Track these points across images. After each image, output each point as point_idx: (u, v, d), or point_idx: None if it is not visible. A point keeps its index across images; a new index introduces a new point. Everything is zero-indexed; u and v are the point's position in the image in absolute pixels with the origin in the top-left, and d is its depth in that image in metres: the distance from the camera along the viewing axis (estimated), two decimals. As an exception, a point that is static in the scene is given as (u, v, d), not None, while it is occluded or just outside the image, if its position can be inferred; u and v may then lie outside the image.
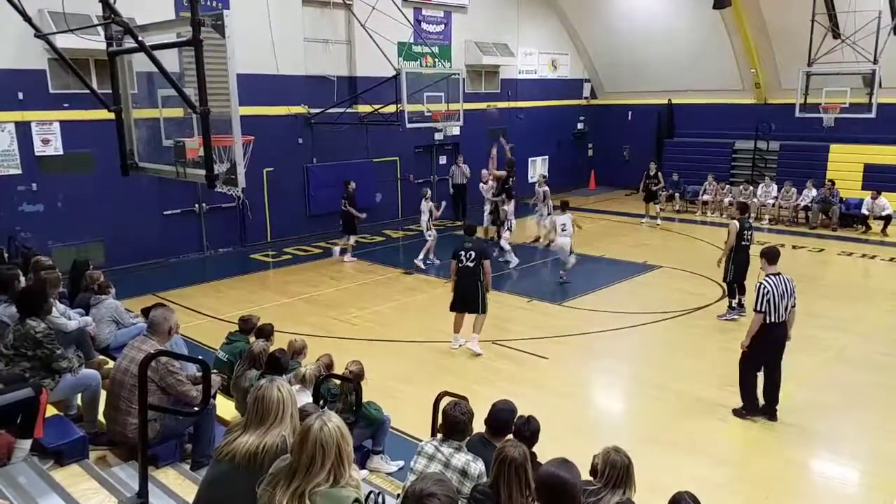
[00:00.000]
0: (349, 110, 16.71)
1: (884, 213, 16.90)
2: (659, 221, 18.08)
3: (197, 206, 14.90)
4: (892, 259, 14.46)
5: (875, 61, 16.53)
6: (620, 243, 16.14)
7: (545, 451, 4.67)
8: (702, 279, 12.87)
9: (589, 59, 24.01)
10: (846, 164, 18.78)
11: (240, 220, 15.71)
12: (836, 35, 17.68)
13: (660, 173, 18.34)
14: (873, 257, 14.68)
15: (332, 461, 2.63)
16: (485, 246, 10.10)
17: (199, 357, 4.63)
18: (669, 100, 22.54)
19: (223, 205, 14.79)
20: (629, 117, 24.01)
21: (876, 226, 17.00)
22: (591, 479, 4.16)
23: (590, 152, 25.12)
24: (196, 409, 4.75)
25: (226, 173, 5.57)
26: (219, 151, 5.55)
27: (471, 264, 9.28)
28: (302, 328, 9.92)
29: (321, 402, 5.68)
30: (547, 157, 23.45)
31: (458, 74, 17.04)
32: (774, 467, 6.51)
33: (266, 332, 6.80)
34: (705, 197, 19.86)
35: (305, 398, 5.45)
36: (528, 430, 4.49)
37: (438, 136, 18.77)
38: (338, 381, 6.08)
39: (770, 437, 7.11)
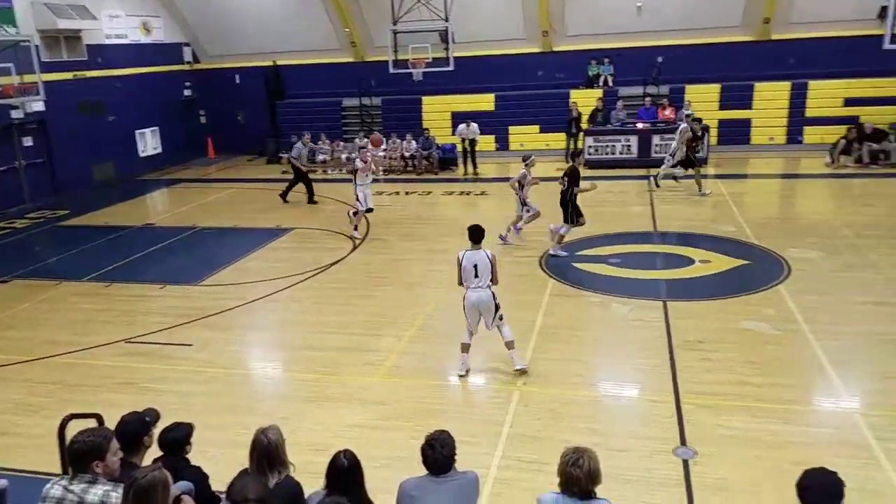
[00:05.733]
0: None
1: (473, 137, 19.12)
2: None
3: None
4: (482, 193, 16.88)
5: (446, 19, 18.76)
6: (250, 210, 15.90)
7: (207, 440, 4.42)
8: (332, 235, 13.43)
9: (185, 21, 22.62)
10: (438, 113, 21.19)
11: None
12: (413, -5, 19.53)
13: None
14: (468, 193, 16.96)
15: None
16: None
17: None
18: (274, 61, 22.53)
19: None
20: (237, 81, 23.44)
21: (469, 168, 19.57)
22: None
23: (203, 119, 23.94)
24: None
25: None
26: None
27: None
28: None
29: None
30: (157, 128, 21.70)
31: (29, 41, 14.56)
32: (418, 395, 7.17)
33: None
34: (322, 157, 20.60)
35: None
36: (167, 440, 4.07)
37: (17, 115, 15.94)
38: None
39: (411, 371, 7.79)
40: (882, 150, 17.17)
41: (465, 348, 7.47)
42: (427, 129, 20.27)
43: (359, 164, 13.00)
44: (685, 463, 5.79)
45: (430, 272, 11.08)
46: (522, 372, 7.35)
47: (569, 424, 6.47)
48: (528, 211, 11.92)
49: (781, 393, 6.89)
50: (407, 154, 19.94)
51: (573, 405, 6.86)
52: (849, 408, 6.61)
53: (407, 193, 17.27)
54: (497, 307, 7.29)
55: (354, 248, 12.60)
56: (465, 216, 15.23)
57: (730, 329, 8.34)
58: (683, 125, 15.33)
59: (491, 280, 7.24)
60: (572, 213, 11.37)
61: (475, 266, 7.21)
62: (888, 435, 6.00)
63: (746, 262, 10.73)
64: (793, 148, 18.77)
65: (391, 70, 19.32)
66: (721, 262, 10.74)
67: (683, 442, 6.10)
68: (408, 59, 19.24)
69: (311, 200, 16.33)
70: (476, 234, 7.32)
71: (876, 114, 17.94)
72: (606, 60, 20.61)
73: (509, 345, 7.39)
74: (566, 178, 11.37)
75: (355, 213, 13.10)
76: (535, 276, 10.58)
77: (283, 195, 16.44)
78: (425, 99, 21.28)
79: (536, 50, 21.11)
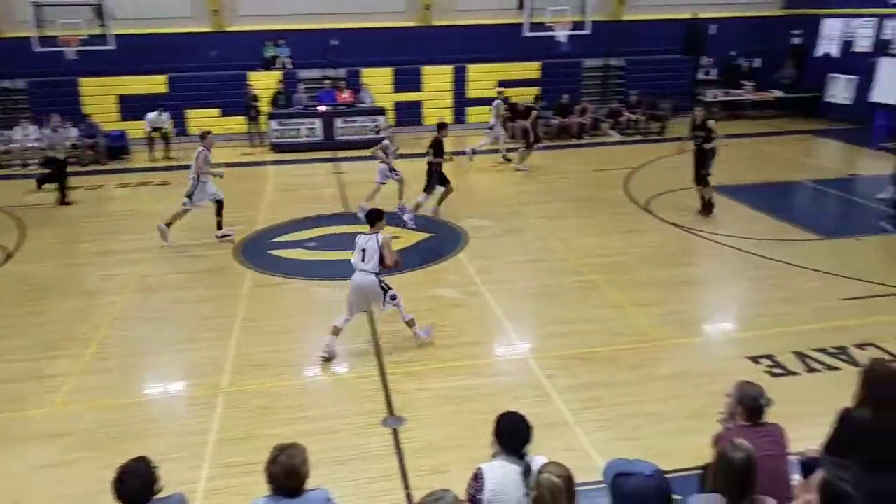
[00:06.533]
0: None
1: (165, 126, 17.98)
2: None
3: None
4: (163, 183, 15.55)
5: (101, -6, 16.80)
6: None
7: None
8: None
9: None
10: (101, 96, 18.94)
11: None
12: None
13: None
14: (147, 184, 15.55)
15: None
16: None
17: None
18: None
19: None
20: None
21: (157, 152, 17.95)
22: None
23: None
24: None
25: None
26: None
27: None
28: None
29: None
30: None
31: None
32: (107, 419, 6.43)
33: None
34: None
35: None
36: None
37: None
38: None
39: (96, 392, 6.94)
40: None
41: (336, 331, 7.40)
42: (89, 115, 18.06)
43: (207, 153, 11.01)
44: (395, 432, 6.11)
45: (107, 277, 9.95)
46: (426, 343, 7.58)
47: (279, 417, 6.38)
48: (377, 180, 12.28)
49: (470, 350, 7.64)
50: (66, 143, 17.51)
51: (282, 397, 6.77)
52: (523, 354, 7.58)
53: (94, 187, 15.23)
54: (385, 290, 7.32)
55: (8, 257, 10.76)
56: (144, 208, 13.97)
57: (423, 298, 8.94)
58: (496, 101, 16.93)
59: (381, 264, 7.22)
60: (431, 183, 12.13)
61: (363, 250, 7.26)
62: (554, 372, 7.03)
63: (431, 234, 11.60)
64: (459, 127, 20.57)
65: (36, 48, 16.72)
66: (409, 237, 11.45)
67: (391, 412, 6.42)
68: (57, 37, 16.83)
69: (63, 201, 13.70)
70: (371, 217, 7.44)
71: (523, 94, 20.58)
72: (282, 42, 20.36)
73: (409, 324, 7.56)
74: (432, 149, 12.10)
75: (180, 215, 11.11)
76: (231, 270, 10.15)
77: (61, 197, 13.74)
78: (84, 81, 18.83)
79: (208, 29, 19.99)
